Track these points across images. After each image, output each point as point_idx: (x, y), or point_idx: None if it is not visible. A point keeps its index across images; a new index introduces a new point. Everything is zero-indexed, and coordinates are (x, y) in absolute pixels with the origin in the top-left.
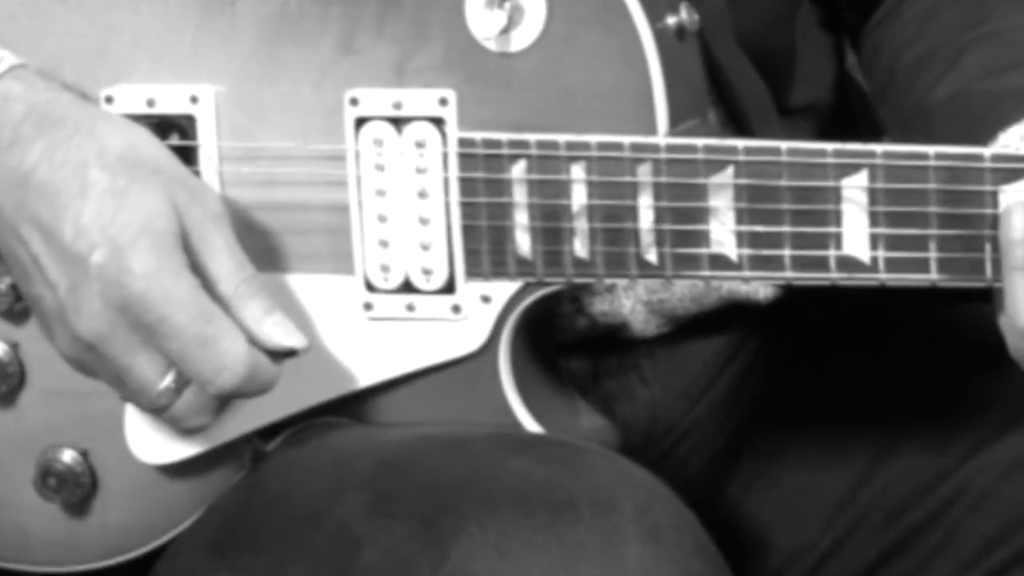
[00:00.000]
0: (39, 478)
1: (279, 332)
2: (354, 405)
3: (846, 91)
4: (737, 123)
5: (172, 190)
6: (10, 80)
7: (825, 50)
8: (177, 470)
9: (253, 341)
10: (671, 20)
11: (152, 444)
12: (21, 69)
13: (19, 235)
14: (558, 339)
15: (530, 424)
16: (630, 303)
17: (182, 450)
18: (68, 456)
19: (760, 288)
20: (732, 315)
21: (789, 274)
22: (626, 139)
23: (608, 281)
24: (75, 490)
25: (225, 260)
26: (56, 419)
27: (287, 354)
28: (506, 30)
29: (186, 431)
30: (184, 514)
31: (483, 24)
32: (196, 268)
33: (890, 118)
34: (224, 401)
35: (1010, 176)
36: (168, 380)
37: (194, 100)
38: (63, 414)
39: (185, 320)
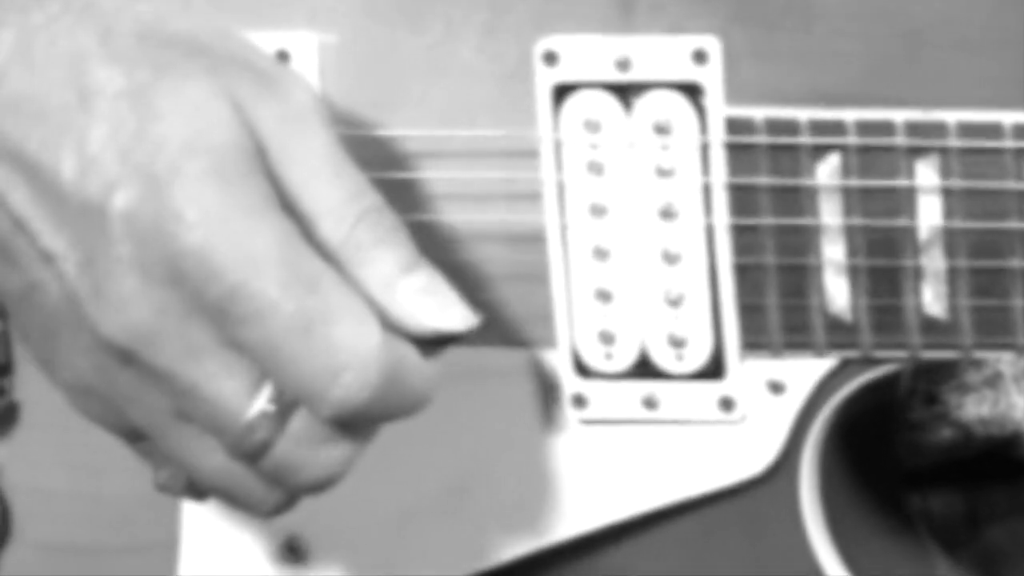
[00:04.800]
0: None
1: (429, 302)
2: (558, 565)
3: None
4: None
5: (228, 77)
6: None
7: None
8: None
9: (387, 319)
10: None
11: None
12: None
13: None
14: (904, 461)
15: None
16: None
17: None
18: None
19: None
20: None
21: None
22: (1008, 116)
23: (986, 366)
24: None
25: (330, 183)
26: None
27: (445, 341)
28: None
29: (311, 490)
30: None
31: None
32: (284, 203)
33: None
34: (363, 430)
35: None
36: (264, 398)
37: (283, 56)
38: None
39: (274, 292)
